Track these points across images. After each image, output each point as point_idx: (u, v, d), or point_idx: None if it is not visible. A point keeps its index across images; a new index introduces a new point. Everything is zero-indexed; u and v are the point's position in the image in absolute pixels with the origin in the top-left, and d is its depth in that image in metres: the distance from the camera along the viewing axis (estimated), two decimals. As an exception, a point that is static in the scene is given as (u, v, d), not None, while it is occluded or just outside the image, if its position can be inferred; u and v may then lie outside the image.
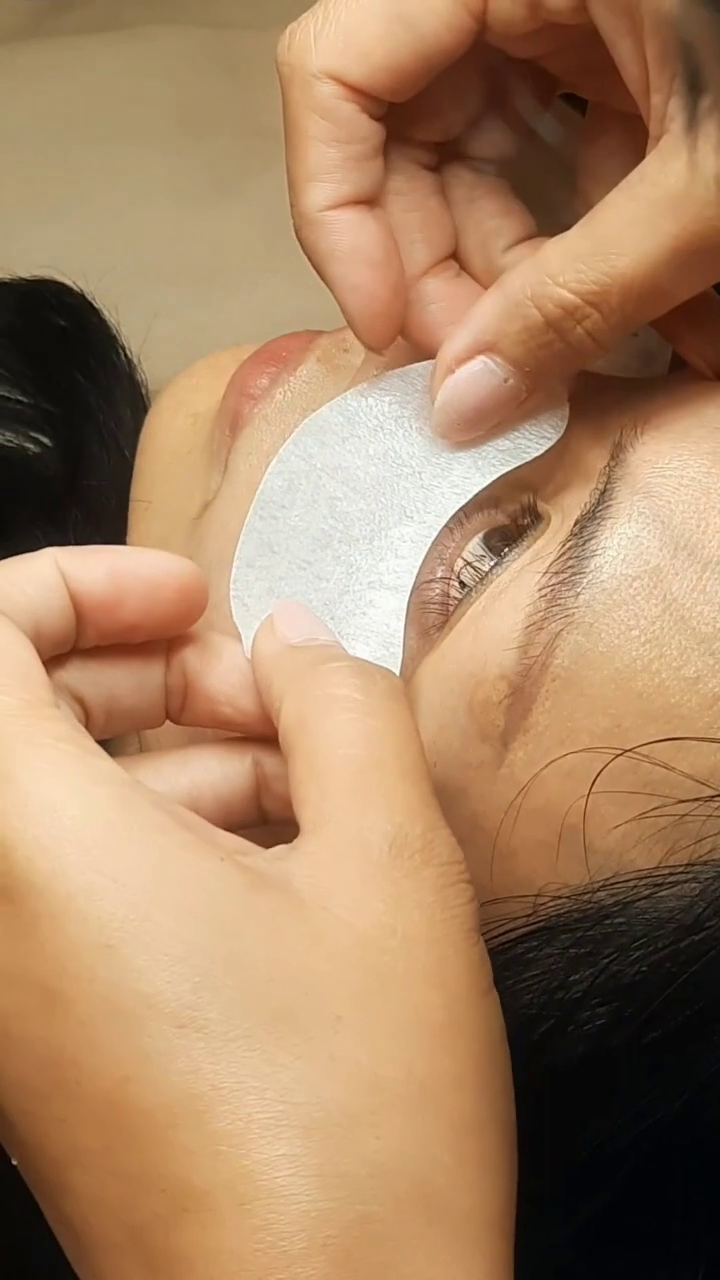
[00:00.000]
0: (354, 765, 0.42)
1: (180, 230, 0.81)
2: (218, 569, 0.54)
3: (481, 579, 0.49)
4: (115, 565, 0.46)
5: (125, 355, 0.72)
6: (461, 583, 0.50)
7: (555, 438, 0.50)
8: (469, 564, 0.50)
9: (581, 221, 0.47)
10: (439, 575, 0.50)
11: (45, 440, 0.72)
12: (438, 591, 0.50)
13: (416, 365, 0.51)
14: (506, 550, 0.49)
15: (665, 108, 0.45)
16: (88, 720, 0.46)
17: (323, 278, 0.50)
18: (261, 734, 0.47)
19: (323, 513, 0.51)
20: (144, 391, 0.73)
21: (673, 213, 0.45)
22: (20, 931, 0.39)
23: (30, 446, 0.71)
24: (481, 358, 0.48)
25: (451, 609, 0.50)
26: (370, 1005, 0.39)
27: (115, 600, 0.46)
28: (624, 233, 0.45)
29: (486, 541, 0.50)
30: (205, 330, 0.77)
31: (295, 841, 0.42)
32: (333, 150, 0.48)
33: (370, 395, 0.52)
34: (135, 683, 0.47)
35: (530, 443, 0.50)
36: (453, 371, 0.49)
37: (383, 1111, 0.38)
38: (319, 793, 0.42)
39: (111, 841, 0.39)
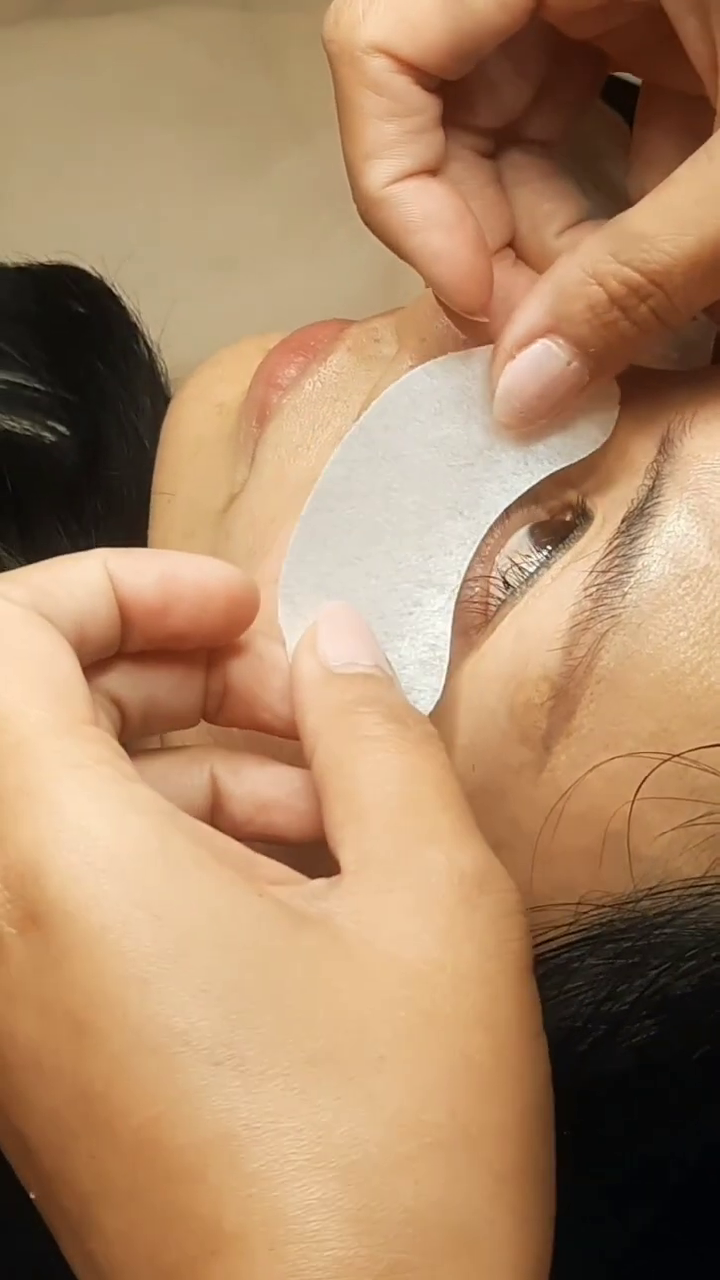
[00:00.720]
0: (394, 801, 0.41)
1: (199, 215, 0.80)
2: (246, 563, 0.52)
3: (526, 579, 0.48)
4: (166, 571, 0.44)
5: (145, 343, 0.71)
6: (506, 582, 0.49)
7: (603, 438, 0.49)
8: (515, 564, 0.49)
9: (646, 199, 0.46)
10: (478, 574, 0.49)
11: (62, 429, 0.71)
12: (478, 590, 0.49)
13: (478, 349, 0.50)
14: (551, 549, 0.48)
15: None
16: (124, 723, 0.45)
17: (401, 254, 0.48)
18: (294, 740, 0.46)
19: (377, 504, 0.50)
20: (164, 380, 0.72)
21: None
22: (51, 961, 0.38)
23: (47, 435, 0.71)
24: (543, 340, 0.47)
25: (493, 609, 0.49)
26: (415, 1046, 0.38)
27: (164, 608, 0.44)
28: (690, 211, 0.44)
29: (530, 537, 0.49)
30: (225, 317, 0.76)
31: (336, 879, 0.41)
32: (390, 125, 0.47)
33: (436, 375, 0.50)
34: (176, 687, 0.46)
35: (579, 442, 0.49)
36: (513, 357, 0.48)
37: (423, 1157, 0.37)
38: (359, 831, 0.41)
39: (149, 874, 0.38)
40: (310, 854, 0.44)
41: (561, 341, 0.47)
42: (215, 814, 0.46)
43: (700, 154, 0.45)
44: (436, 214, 0.48)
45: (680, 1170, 0.44)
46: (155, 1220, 0.37)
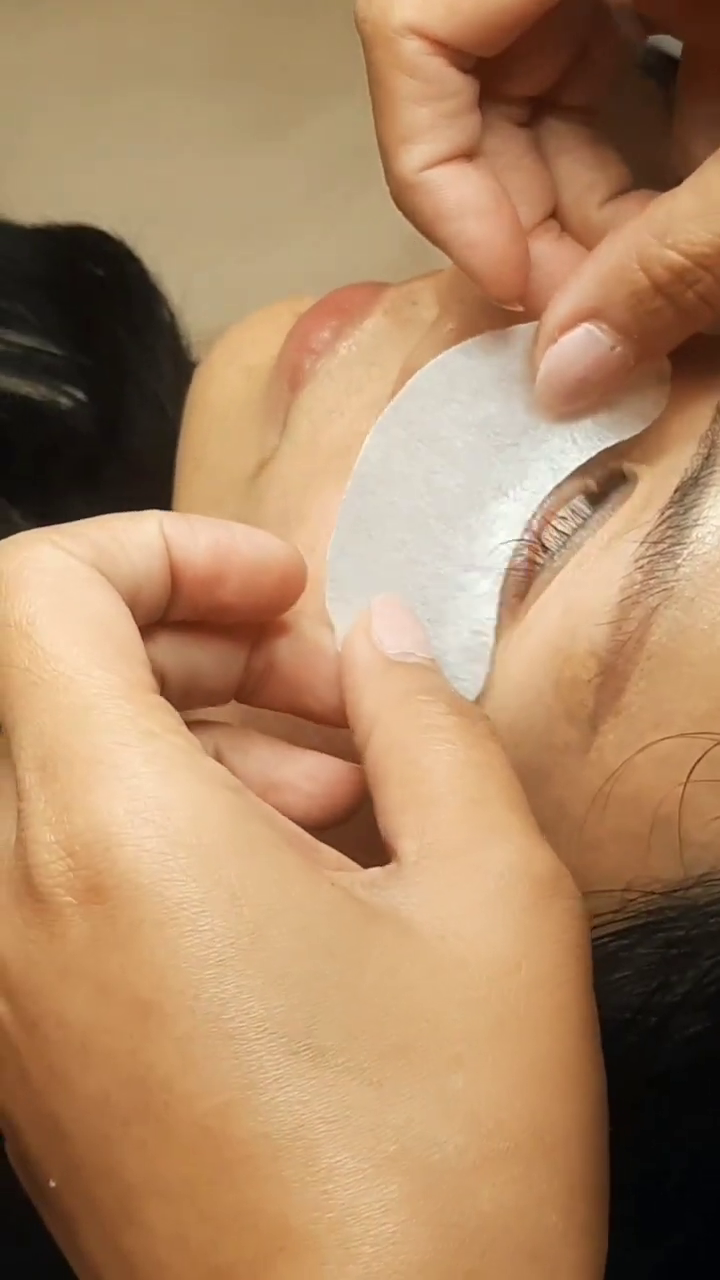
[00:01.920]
0: (462, 796, 0.40)
1: (222, 177, 0.80)
2: (280, 531, 0.51)
3: (564, 543, 0.47)
4: (221, 540, 0.43)
5: (167, 307, 0.70)
6: (544, 546, 0.47)
7: (656, 414, 0.47)
8: (555, 527, 0.47)
9: (692, 178, 0.44)
10: (524, 540, 0.48)
11: (80, 395, 0.70)
12: (522, 559, 0.48)
13: (521, 326, 0.49)
14: (590, 511, 0.47)
15: None
16: (163, 694, 0.44)
17: (435, 242, 0.47)
18: (336, 727, 0.46)
19: (419, 488, 0.49)
20: (185, 346, 0.70)
21: None
22: (116, 938, 0.36)
23: (64, 400, 0.70)
24: (586, 325, 0.46)
25: (534, 576, 0.47)
26: (491, 1047, 0.37)
27: (216, 577, 0.43)
28: None
29: (573, 506, 0.48)
30: (248, 282, 0.76)
31: (395, 869, 0.40)
32: (424, 109, 0.45)
33: (474, 354, 0.49)
34: (221, 661, 0.45)
35: (629, 418, 0.48)
36: (555, 340, 0.46)
37: (500, 1161, 0.36)
38: (422, 821, 0.40)
39: (227, 852, 0.37)
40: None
41: (605, 326, 0.46)
42: None
43: None
44: (472, 200, 0.46)
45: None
46: (213, 1216, 0.36)
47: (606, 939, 0.43)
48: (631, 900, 0.44)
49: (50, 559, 0.40)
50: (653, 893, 0.43)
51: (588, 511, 0.48)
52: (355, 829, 0.44)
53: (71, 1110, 0.37)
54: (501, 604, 0.48)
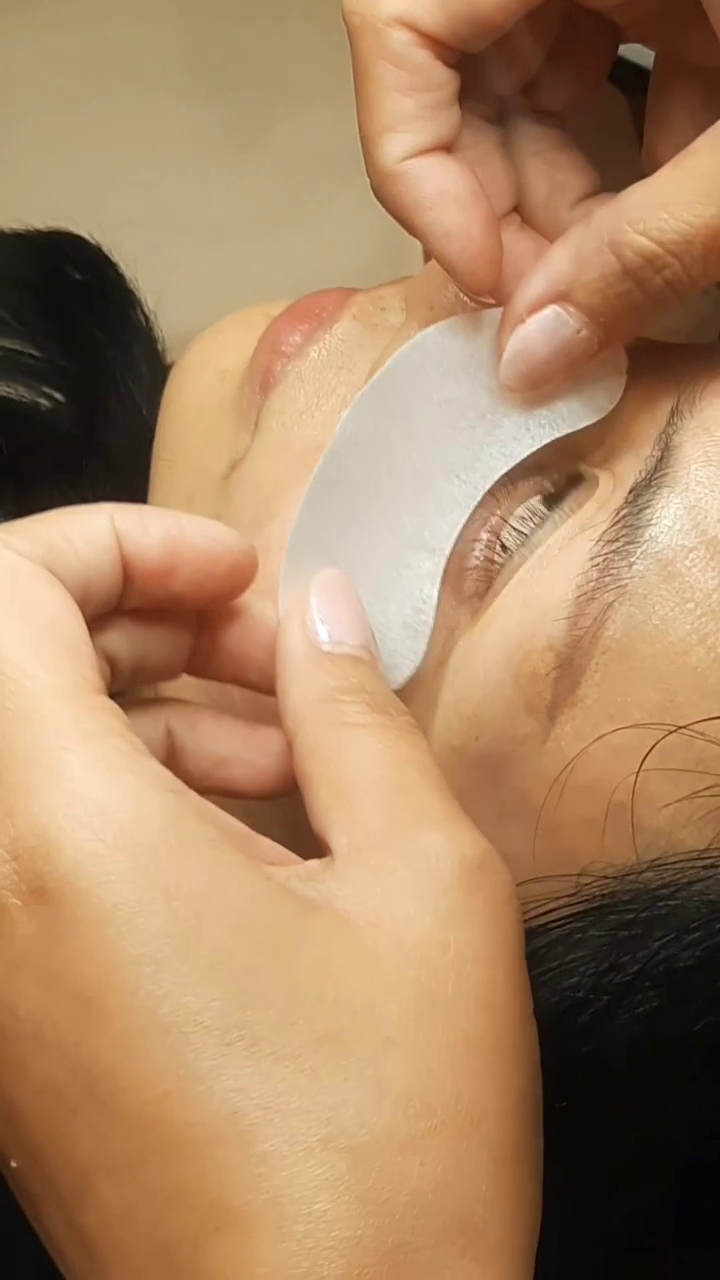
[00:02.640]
0: (383, 785, 0.42)
1: (199, 182, 0.80)
2: (250, 529, 0.52)
3: (524, 542, 0.48)
4: (172, 532, 0.44)
5: (143, 311, 0.71)
6: (504, 546, 0.48)
7: (609, 406, 0.48)
8: (513, 527, 0.48)
9: (665, 168, 0.45)
10: (483, 539, 0.49)
11: (59, 396, 0.70)
12: (481, 558, 0.49)
13: (489, 311, 0.49)
14: (548, 512, 0.48)
15: None
16: (113, 677, 0.45)
17: (411, 230, 0.48)
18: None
19: (380, 462, 0.49)
20: (161, 348, 0.71)
21: None
22: (58, 936, 0.37)
23: (44, 402, 0.70)
24: (554, 307, 0.47)
25: (493, 574, 0.48)
26: (421, 1028, 0.38)
27: (168, 570, 0.44)
28: (711, 181, 0.44)
29: (531, 506, 0.49)
30: (224, 286, 0.76)
31: (329, 862, 0.41)
32: (408, 100, 0.46)
33: (447, 335, 0.50)
34: (169, 644, 0.46)
35: (585, 409, 0.49)
36: (523, 321, 0.47)
37: (429, 1138, 0.37)
38: (348, 818, 0.41)
39: (163, 853, 0.38)
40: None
41: (572, 309, 0.47)
42: (171, 768, 0.45)
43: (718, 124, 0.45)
44: (450, 191, 0.47)
45: (679, 1146, 0.44)
46: (158, 1195, 0.37)
47: (562, 921, 0.44)
48: (586, 884, 0.45)
49: None
50: (606, 877, 0.44)
51: (545, 512, 0.48)
52: (303, 818, 0.45)
53: (26, 1096, 0.38)
54: (456, 588, 0.48)
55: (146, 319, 0.71)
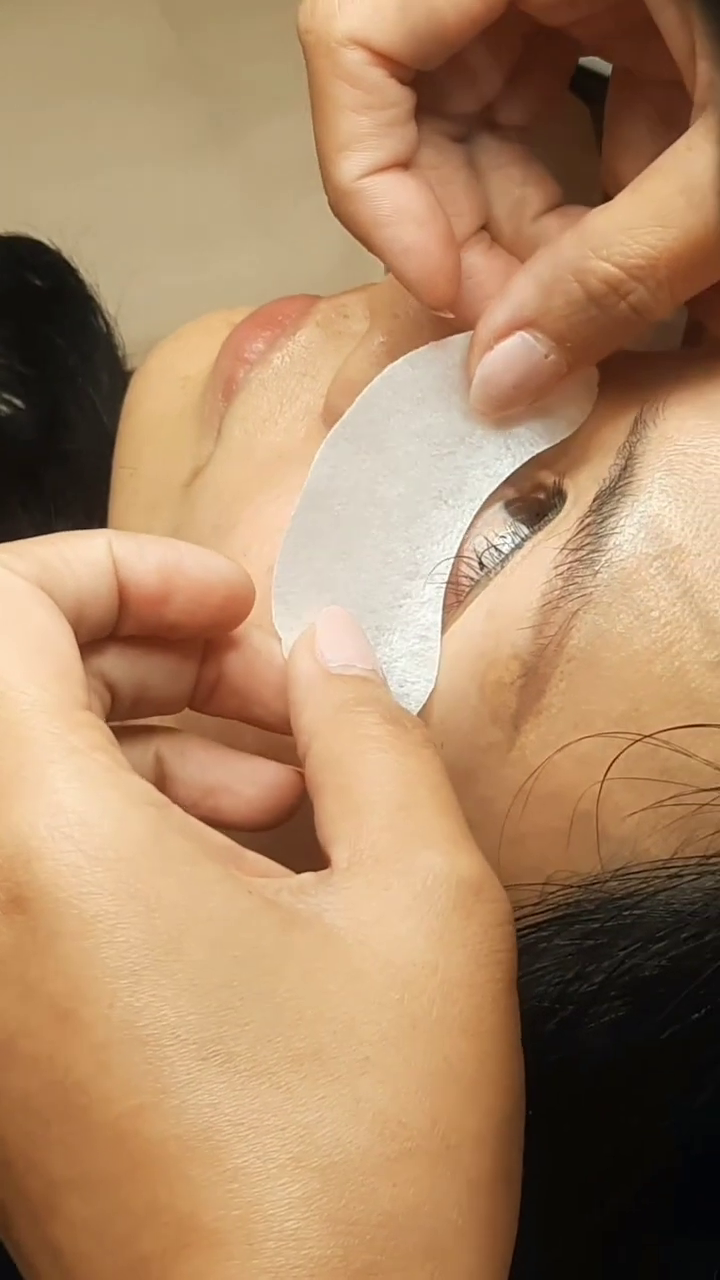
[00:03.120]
0: (392, 802, 0.41)
1: (160, 189, 0.80)
2: (212, 536, 0.52)
3: (502, 560, 0.48)
4: (169, 560, 0.44)
5: (103, 317, 0.71)
6: (481, 563, 0.48)
7: (582, 419, 0.49)
8: (491, 545, 0.49)
9: (626, 191, 0.45)
10: (464, 556, 0.49)
11: (18, 402, 0.70)
12: (450, 572, 0.49)
13: (457, 337, 0.50)
14: (528, 530, 0.48)
15: (713, 74, 0.43)
16: (113, 705, 0.45)
17: (370, 247, 0.48)
18: (284, 734, 0.46)
19: (363, 498, 0.49)
20: (121, 355, 0.71)
21: None
22: (36, 947, 0.37)
23: (2, 408, 0.70)
24: (521, 333, 0.47)
25: (465, 589, 0.48)
26: (401, 1049, 0.38)
27: (162, 596, 0.44)
28: (673, 203, 0.44)
29: (504, 515, 0.49)
30: (184, 292, 0.76)
31: (326, 875, 0.41)
32: (364, 118, 0.46)
33: (418, 365, 0.50)
34: (170, 674, 0.46)
35: (559, 424, 0.49)
36: (491, 348, 0.47)
37: (403, 1161, 0.37)
38: (354, 829, 0.41)
39: (144, 866, 0.38)
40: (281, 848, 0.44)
41: (539, 335, 0.47)
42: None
43: (680, 144, 0.45)
44: (407, 208, 0.47)
45: (649, 1155, 0.44)
46: (129, 1210, 0.36)
47: (527, 930, 0.44)
48: (551, 893, 0.45)
49: None
50: (571, 886, 0.44)
51: (516, 524, 0.49)
52: (301, 836, 0.45)
53: None
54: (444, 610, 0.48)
55: (107, 325, 0.71)
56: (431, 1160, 0.37)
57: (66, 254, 0.71)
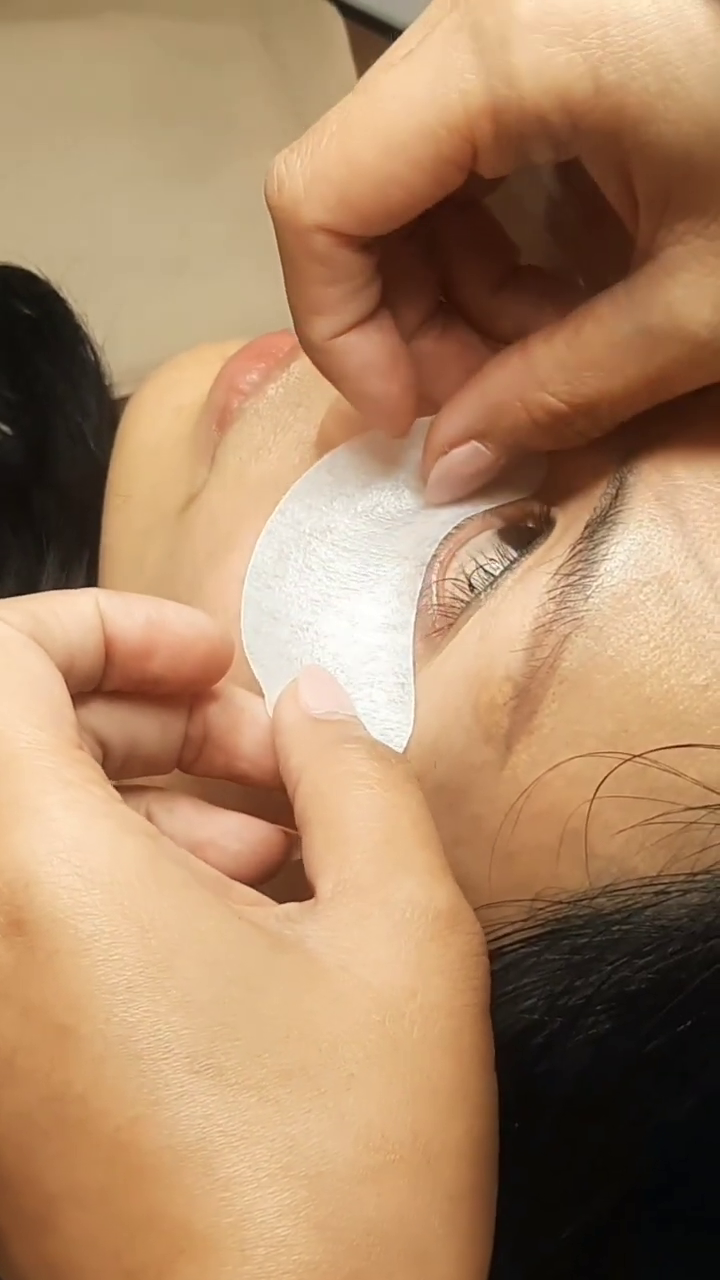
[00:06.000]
0: (375, 836, 0.43)
1: (147, 219, 0.81)
2: (206, 562, 0.53)
3: (493, 583, 0.49)
4: (153, 616, 0.46)
5: (91, 346, 0.72)
6: (471, 585, 0.50)
7: (537, 484, 0.51)
8: (480, 566, 0.50)
9: (569, 327, 0.47)
10: (434, 579, 0.50)
11: (6, 429, 0.71)
12: (438, 595, 0.50)
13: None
14: (517, 553, 0.50)
15: (654, 235, 0.45)
16: (105, 761, 0.47)
17: (341, 392, 0.50)
18: (270, 790, 0.48)
19: (317, 575, 0.51)
20: (109, 383, 0.72)
21: (660, 344, 0.46)
22: (35, 966, 0.38)
23: (-7, 435, 0.71)
24: (473, 443, 0.50)
25: (457, 610, 0.50)
26: (384, 1067, 0.39)
27: (146, 651, 0.46)
28: (612, 354, 0.46)
29: (495, 541, 0.51)
30: (172, 322, 0.77)
31: (311, 904, 0.42)
32: (332, 290, 0.48)
33: (360, 452, 0.52)
34: (159, 730, 0.48)
35: (513, 489, 0.51)
36: (444, 453, 0.50)
37: (386, 1172, 0.38)
38: (339, 861, 0.43)
39: (139, 890, 0.39)
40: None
41: (491, 444, 0.49)
42: None
43: (620, 290, 0.46)
44: (374, 362, 0.49)
45: (629, 1165, 0.45)
46: (125, 1221, 0.37)
47: (517, 945, 0.45)
48: (540, 909, 0.46)
49: None
50: (560, 902, 0.45)
51: (508, 550, 0.50)
52: (288, 875, 0.47)
53: None
54: (416, 630, 0.50)
55: (95, 354, 0.72)
56: (413, 1172, 0.39)
57: (55, 284, 0.72)
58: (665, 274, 0.45)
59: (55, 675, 0.43)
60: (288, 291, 0.49)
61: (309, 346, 0.49)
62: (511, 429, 0.49)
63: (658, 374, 0.46)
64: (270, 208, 0.47)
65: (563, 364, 0.47)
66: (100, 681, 0.46)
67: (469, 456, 0.50)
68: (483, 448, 0.50)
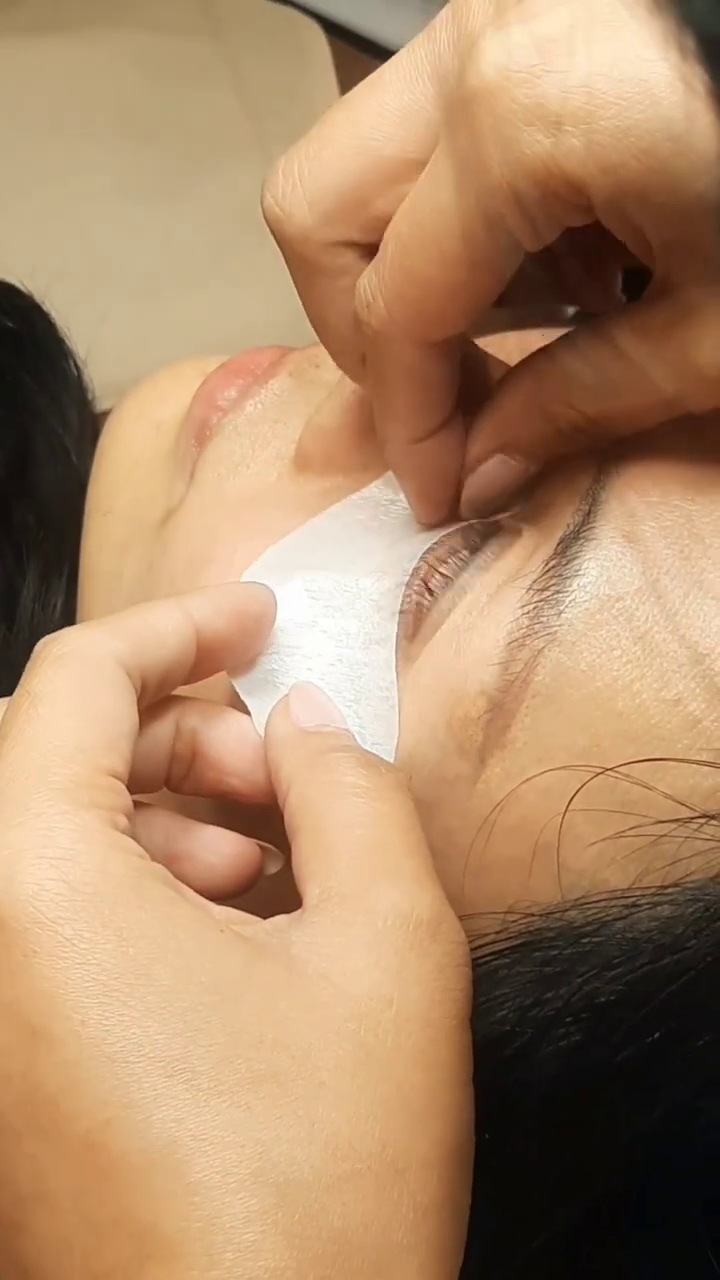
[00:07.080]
0: (362, 844, 0.44)
1: (127, 232, 0.81)
2: (185, 575, 0.54)
3: (448, 585, 0.50)
4: (238, 607, 0.50)
5: (73, 360, 0.72)
6: (430, 590, 0.50)
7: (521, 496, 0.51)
8: (435, 569, 0.50)
9: (585, 347, 0.47)
10: (413, 585, 0.51)
11: (-14, 443, 0.71)
12: (411, 604, 0.50)
13: (373, 486, 0.53)
14: (468, 554, 0.50)
15: (669, 274, 0.45)
16: None
17: (402, 488, 0.52)
18: (265, 808, 0.48)
19: (302, 601, 0.52)
20: (91, 397, 0.72)
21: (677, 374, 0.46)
22: (11, 966, 0.39)
23: (-30, 448, 0.71)
24: (499, 456, 0.50)
25: (423, 617, 0.50)
26: (355, 1076, 0.40)
27: (238, 641, 0.49)
28: (624, 377, 0.46)
29: (454, 550, 0.51)
30: (153, 336, 0.77)
31: (298, 914, 0.43)
32: (422, 397, 0.49)
33: (342, 517, 0.53)
34: (146, 746, 0.48)
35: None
36: (474, 470, 0.51)
37: (353, 1181, 0.39)
38: (325, 869, 0.43)
39: (121, 901, 0.40)
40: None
41: (516, 455, 0.50)
42: None
43: (636, 314, 0.46)
44: (442, 468, 0.51)
45: (599, 1175, 0.46)
46: (94, 1223, 0.38)
47: (489, 957, 0.45)
48: (513, 921, 0.46)
49: (89, 647, 0.44)
50: (532, 914, 0.46)
51: (468, 555, 0.50)
52: (273, 890, 0.47)
53: None
54: (397, 655, 0.50)
55: (77, 368, 0.72)
56: (379, 1182, 0.39)
57: (38, 298, 0.72)
58: (683, 314, 0.45)
59: (127, 708, 0.44)
60: (373, 396, 0.50)
61: (393, 451, 0.50)
62: (532, 440, 0.49)
63: (675, 397, 0.47)
64: (362, 322, 0.47)
65: (578, 380, 0.48)
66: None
67: (497, 470, 0.50)
68: (511, 460, 0.50)
